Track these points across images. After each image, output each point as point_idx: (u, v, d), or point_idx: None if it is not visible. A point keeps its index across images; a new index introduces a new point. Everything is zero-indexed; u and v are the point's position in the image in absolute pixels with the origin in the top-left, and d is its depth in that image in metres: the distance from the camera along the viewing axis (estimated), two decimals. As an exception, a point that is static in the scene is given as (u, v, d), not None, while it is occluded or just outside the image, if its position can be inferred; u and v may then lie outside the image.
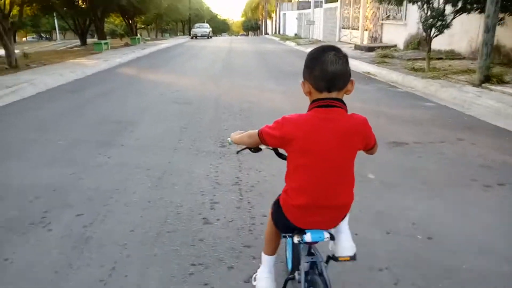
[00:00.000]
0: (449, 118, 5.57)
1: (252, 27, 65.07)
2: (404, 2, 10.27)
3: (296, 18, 33.16)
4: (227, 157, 3.98)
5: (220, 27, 70.89)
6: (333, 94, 1.39)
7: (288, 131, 1.40)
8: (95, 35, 24.54)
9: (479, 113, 5.72)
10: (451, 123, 5.25)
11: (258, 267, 1.88)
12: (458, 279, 2.15)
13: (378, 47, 14.65)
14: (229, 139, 1.72)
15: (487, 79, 7.03)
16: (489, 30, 6.86)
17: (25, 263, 2.31)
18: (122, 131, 4.95)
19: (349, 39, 20.23)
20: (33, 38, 43.82)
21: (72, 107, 6.43)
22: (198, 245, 2.45)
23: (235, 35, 64.45)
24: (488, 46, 6.92)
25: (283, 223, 1.57)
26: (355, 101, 6.19)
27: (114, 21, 32.61)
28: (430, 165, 3.76)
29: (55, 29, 38.25)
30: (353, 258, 1.70)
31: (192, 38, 33.57)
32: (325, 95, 1.39)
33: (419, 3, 8.77)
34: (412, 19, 12.82)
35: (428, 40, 8.88)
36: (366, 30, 18.09)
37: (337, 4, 22.09)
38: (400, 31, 14.96)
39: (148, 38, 31.73)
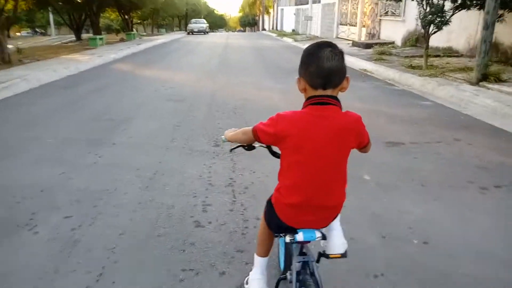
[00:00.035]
0: (446, 117, 5.52)
1: (249, 22, 64.62)
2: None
3: (294, 14, 32.93)
4: (220, 157, 3.92)
5: (217, 23, 70.36)
6: (328, 92, 1.38)
7: (283, 128, 1.38)
8: (91, 30, 24.30)
9: (476, 112, 5.68)
10: (447, 123, 5.20)
11: (251, 270, 1.84)
12: (454, 285, 2.11)
13: (376, 44, 14.58)
14: (223, 136, 1.74)
15: (485, 77, 6.97)
16: (488, 27, 6.78)
17: (7, 268, 2.23)
18: (115, 129, 4.87)
19: (347, 35, 20.12)
20: (27, 33, 43.27)
21: (64, 104, 6.33)
22: (189, 250, 2.39)
23: (232, 31, 64.04)
24: (486, 44, 6.84)
25: (276, 223, 1.56)
26: (351, 99, 6.14)
27: (109, 16, 32.21)
28: (427, 166, 3.71)
29: (50, 24, 37.86)
30: (344, 255, 1.71)
31: (188, 33, 33.30)
32: (320, 92, 1.38)
33: (419, -2, 8.68)
34: (410, 15, 12.73)
35: (426, 37, 8.80)
36: (364, 26, 17.99)
37: (335, 0, 21.95)
38: (398, 27, 14.88)
39: (144, 34, 31.45)
